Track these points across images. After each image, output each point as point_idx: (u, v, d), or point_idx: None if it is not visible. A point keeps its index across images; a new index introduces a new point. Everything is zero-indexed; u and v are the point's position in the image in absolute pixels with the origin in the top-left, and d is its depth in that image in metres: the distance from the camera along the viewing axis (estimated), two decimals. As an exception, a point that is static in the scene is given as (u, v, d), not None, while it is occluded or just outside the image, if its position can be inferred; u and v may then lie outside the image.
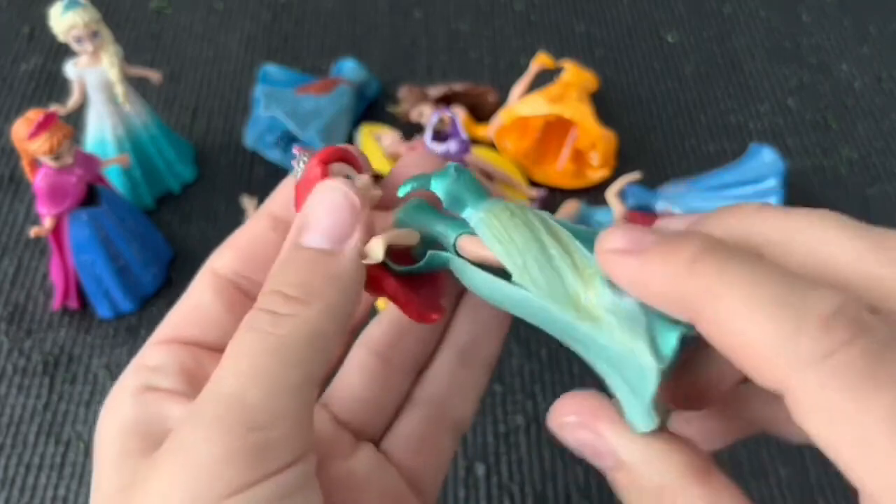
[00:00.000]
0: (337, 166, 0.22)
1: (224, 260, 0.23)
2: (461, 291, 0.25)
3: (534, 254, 0.20)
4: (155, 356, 0.21)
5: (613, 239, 0.17)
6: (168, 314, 0.23)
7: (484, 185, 0.22)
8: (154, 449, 0.19)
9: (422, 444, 0.24)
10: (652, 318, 0.18)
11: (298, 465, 0.18)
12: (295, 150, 0.22)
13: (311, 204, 0.20)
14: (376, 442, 0.24)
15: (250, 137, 0.64)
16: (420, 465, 0.24)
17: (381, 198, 0.22)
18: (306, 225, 0.20)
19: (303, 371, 0.18)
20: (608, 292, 0.18)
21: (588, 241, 0.19)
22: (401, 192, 0.22)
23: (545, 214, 0.21)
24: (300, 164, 0.22)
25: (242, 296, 0.22)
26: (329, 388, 0.24)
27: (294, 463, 0.18)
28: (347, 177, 0.22)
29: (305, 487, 0.18)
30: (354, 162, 0.22)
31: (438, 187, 0.21)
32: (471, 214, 0.21)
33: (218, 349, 0.21)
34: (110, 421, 0.20)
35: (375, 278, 0.21)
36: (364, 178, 0.22)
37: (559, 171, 0.62)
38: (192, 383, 0.21)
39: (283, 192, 0.24)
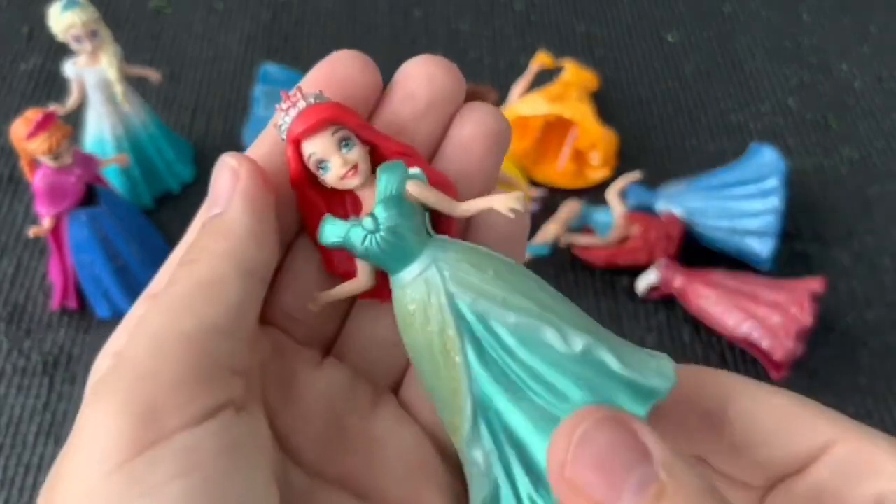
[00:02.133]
0: (316, 143, 0.21)
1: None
2: None
3: (423, 367, 0.20)
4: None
5: (586, 479, 0.16)
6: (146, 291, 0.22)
7: (411, 235, 0.20)
8: None
9: None
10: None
11: (204, 424, 0.17)
12: (282, 99, 0.21)
13: (211, 181, 0.21)
14: (395, 389, 0.23)
15: (249, 137, 0.63)
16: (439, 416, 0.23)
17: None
18: (208, 201, 0.21)
19: (195, 319, 0.18)
20: (466, 450, 0.19)
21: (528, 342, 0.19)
22: (323, 243, 0.21)
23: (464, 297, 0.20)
24: (284, 119, 0.21)
25: None
26: (343, 342, 0.23)
27: (196, 418, 0.17)
28: (346, 141, 0.21)
29: (220, 443, 0.17)
30: (346, 119, 0.21)
31: (356, 242, 0.20)
32: (393, 279, 0.21)
33: None
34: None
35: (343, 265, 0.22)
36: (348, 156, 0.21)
37: (559, 170, 0.62)
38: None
39: (261, 145, 0.23)
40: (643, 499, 0.15)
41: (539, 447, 0.18)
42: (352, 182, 0.21)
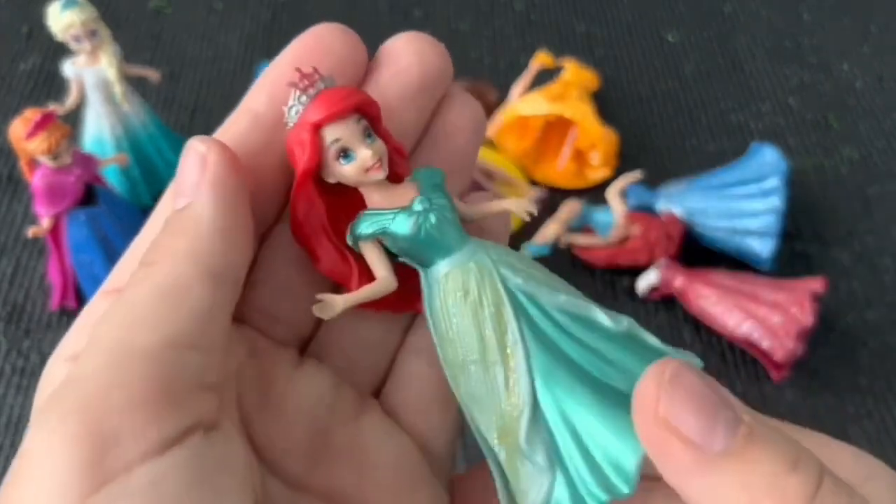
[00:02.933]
0: (342, 129, 0.19)
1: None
2: None
3: (472, 358, 0.19)
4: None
5: (680, 417, 0.15)
6: (117, 266, 0.20)
7: (456, 226, 0.20)
8: None
9: (429, 398, 0.22)
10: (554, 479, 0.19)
11: (159, 458, 0.15)
12: (297, 81, 0.19)
13: (178, 168, 0.19)
14: (377, 393, 0.22)
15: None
16: (427, 424, 0.22)
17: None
18: (172, 190, 0.19)
19: (154, 332, 0.16)
20: (526, 447, 0.19)
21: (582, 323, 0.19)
22: (359, 235, 0.20)
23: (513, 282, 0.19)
24: (300, 99, 0.19)
25: None
26: (323, 342, 0.22)
27: (150, 454, 0.15)
28: (369, 132, 0.19)
29: (186, 472, 0.15)
30: (371, 110, 0.19)
31: (401, 229, 0.20)
32: (430, 272, 0.20)
33: None
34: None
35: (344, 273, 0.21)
36: (368, 153, 0.19)
37: (559, 170, 0.62)
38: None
39: (264, 83, 0.21)
40: (735, 438, 0.15)
41: (604, 424, 0.18)
42: (376, 175, 0.19)
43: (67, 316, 0.54)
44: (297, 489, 0.19)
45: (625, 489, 0.18)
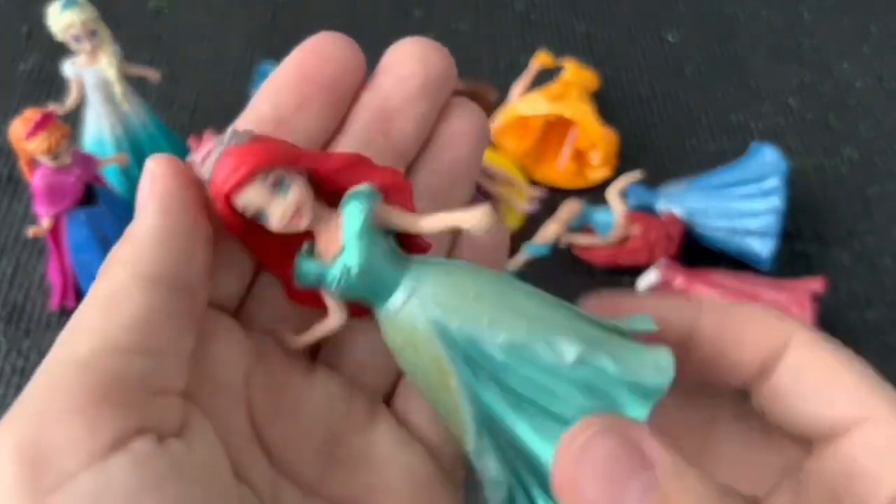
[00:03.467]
0: (248, 195, 0.19)
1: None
2: None
3: (429, 388, 0.19)
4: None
5: (586, 487, 0.15)
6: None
7: (385, 267, 0.19)
8: None
9: None
10: None
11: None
12: (191, 150, 0.19)
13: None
14: (387, 400, 0.22)
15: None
16: (438, 431, 0.21)
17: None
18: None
19: (92, 340, 0.16)
20: (478, 466, 0.19)
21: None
22: (301, 282, 0.20)
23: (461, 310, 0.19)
24: (203, 168, 0.19)
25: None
26: (334, 348, 0.22)
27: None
28: (281, 182, 0.19)
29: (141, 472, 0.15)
30: (275, 158, 0.19)
31: (330, 285, 0.19)
32: (377, 312, 0.20)
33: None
34: None
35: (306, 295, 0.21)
36: (292, 195, 0.19)
37: (559, 170, 0.62)
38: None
39: (267, 91, 0.21)
40: None
41: (546, 454, 0.18)
42: (299, 225, 0.19)
43: (67, 316, 0.54)
44: (310, 495, 0.19)
45: None
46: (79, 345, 0.16)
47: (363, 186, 0.20)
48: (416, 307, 0.19)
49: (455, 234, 0.22)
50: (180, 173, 0.19)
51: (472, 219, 0.19)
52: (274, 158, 0.19)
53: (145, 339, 0.17)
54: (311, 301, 0.21)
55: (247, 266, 0.21)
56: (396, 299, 0.19)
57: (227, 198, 0.19)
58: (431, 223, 0.20)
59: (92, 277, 0.53)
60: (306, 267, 0.20)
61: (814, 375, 0.19)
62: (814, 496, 0.19)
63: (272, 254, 0.20)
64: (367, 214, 0.19)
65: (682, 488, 0.15)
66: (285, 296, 0.21)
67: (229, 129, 0.20)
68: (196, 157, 0.19)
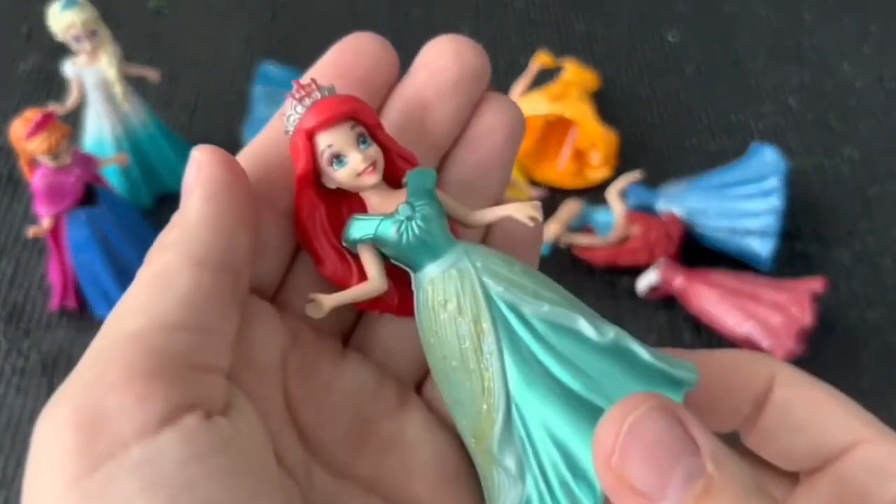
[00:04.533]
0: (334, 135, 0.20)
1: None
2: None
3: (453, 364, 0.20)
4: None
5: (633, 469, 0.15)
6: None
7: (442, 231, 0.20)
8: None
9: None
10: None
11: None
12: (294, 89, 0.20)
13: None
14: (418, 387, 0.23)
15: (249, 137, 0.63)
16: None
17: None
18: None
19: (142, 317, 0.17)
20: (497, 455, 0.19)
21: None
22: (349, 238, 0.21)
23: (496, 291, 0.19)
24: (296, 109, 0.20)
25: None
26: (365, 334, 0.22)
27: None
28: (363, 137, 0.20)
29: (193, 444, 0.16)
30: (365, 116, 0.20)
31: (386, 235, 0.20)
32: (417, 276, 0.20)
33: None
34: None
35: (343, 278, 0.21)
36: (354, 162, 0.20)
37: (560, 171, 0.62)
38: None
39: (262, 140, 0.21)
40: (690, 492, 0.15)
41: (576, 439, 0.18)
42: (368, 180, 0.20)
43: (67, 316, 0.54)
44: (341, 477, 0.20)
45: None
46: (128, 321, 0.17)
47: (426, 169, 0.21)
48: (466, 266, 0.20)
49: (487, 228, 0.23)
50: (226, 162, 0.20)
51: (523, 213, 0.20)
52: (364, 115, 0.20)
53: (192, 317, 0.17)
54: (343, 278, 0.21)
55: (284, 254, 0.21)
56: (446, 260, 0.20)
57: (312, 134, 0.20)
58: (484, 215, 0.21)
59: (92, 277, 0.53)
60: (361, 223, 0.20)
61: (802, 408, 0.20)
62: None
63: (314, 221, 0.21)
64: (435, 179, 0.20)
65: (726, 476, 0.15)
66: (319, 272, 0.21)
67: (325, 86, 0.20)
68: (289, 103, 0.20)
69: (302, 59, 0.74)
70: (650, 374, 0.19)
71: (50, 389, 0.51)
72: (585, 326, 0.19)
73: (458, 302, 0.19)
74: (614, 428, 0.16)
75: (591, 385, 0.19)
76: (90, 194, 0.51)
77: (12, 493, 0.47)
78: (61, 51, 0.56)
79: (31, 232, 0.51)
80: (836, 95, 0.69)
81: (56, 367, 0.52)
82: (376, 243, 0.20)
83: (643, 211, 0.57)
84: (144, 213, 0.58)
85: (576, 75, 0.64)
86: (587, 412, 0.18)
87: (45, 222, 0.50)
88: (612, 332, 0.19)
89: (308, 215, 0.21)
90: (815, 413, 0.20)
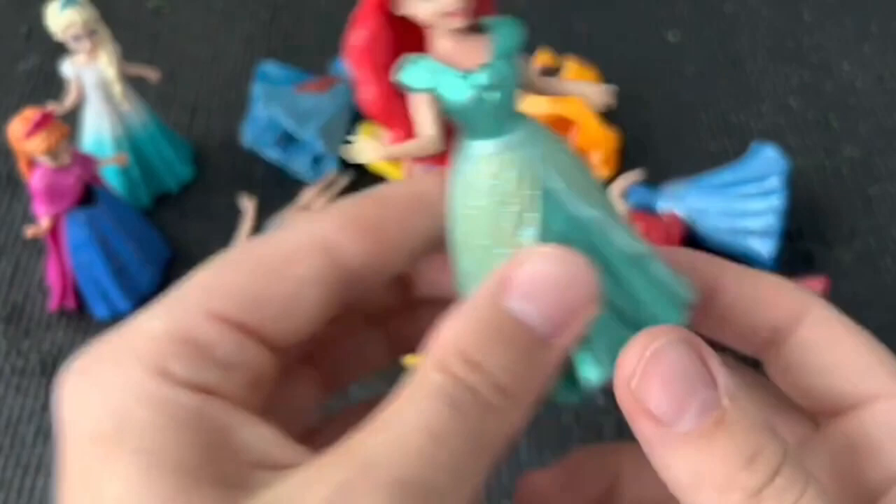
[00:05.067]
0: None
1: (340, 234, 0.18)
2: None
3: (480, 242, 0.19)
4: (208, 331, 0.17)
5: (651, 394, 0.16)
6: (226, 258, 0.19)
7: (514, 105, 0.18)
8: (219, 485, 0.15)
9: None
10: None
11: None
12: None
13: (527, 261, 0.17)
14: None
15: (249, 136, 0.63)
16: None
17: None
18: (518, 284, 0.17)
19: (477, 478, 0.16)
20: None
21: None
22: (409, 84, 0.18)
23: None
24: None
25: (353, 293, 0.18)
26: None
27: None
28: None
29: None
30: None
31: (457, 97, 0.18)
32: (471, 145, 0.19)
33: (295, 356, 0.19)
34: (129, 403, 0.16)
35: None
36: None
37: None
38: (256, 399, 0.17)
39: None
40: (703, 421, 0.15)
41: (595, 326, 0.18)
42: (454, 21, 0.18)
43: (66, 316, 0.55)
44: None
45: (594, 379, 0.18)
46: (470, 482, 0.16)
47: (515, 21, 0.19)
48: (528, 157, 0.18)
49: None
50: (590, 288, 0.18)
51: (597, 94, 0.20)
52: None
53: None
54: (386, 113, 0.19)
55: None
56: (510, 140, 0.18)
57: None
58: (559, 86, 0.20)
59: (91, 278, 0.53)
60: (424, 69, 0.18)
61: (827, 349, 0.19)
62: (820, 470, 0.19)
63: (376, 45, 0.19)
64: (521, 41, 0.18)
65: (739, 412, 0.15)
66: (360, 96, 0.19)
67: None
68: None
69: (302, 59, 0.75)
70: (666, 285, 0.19)
71: (49, 390, 0.51)
72: (624, 236, 0.19)
73: (511, 188, 0.18)
74: (637, 353, 0.16)
75: (615, 288, 0.19)
76: (89, 194, 0.51)
77: (11, 494, 0.47)
78: (61, 51, 0.56)
79: (29, 232, 0.51)
80: (837, 95, 0.69)
81: (55, 368, 0.52)
82: (436, 97, 0.18)
83: (644, 211, 0.57)
84: (143, 213, 0.58)
85: (576, 75, 0.64)
86: (607, 309, 0.18)
87: (44, 222, 0.50)
88: (643, 247, 0.19)
89: (366, 40, 0.19)
90: (841, 359, 0.19)
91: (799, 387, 0.20)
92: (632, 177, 0.58)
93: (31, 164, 0.49)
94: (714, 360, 0.16)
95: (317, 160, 0.62)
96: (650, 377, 0.16)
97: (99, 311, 0.54)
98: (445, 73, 0.18)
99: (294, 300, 0.17)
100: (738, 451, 0.15)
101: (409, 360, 0.20)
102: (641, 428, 0.16)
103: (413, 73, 0.18)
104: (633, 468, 0.20)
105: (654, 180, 0.60)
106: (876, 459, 0.18)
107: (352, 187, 0.61)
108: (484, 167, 0.18)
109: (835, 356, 0.19)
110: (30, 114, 0.48)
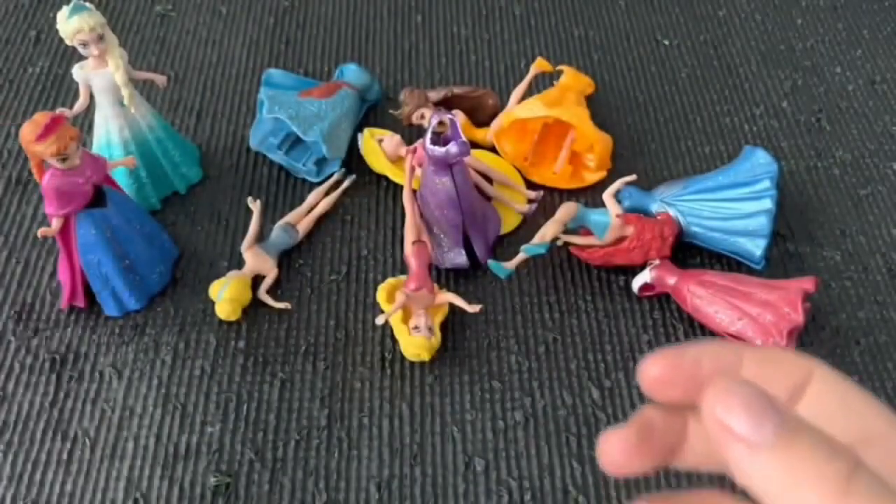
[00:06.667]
0: None
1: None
2: None
3: None
4: None
5: (731, 415, 0.18)
6: None
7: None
8: None
9: None
10: None
11: None
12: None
13: None
14: None
15: (255, 139, 0.64)
16: None
17: None
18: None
19: None
20: None
21: None
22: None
23: None
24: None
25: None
26: None
27: None
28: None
29: None
30: None
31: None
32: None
33: None
34: None
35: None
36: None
37: (557, 172, 0.63)
38: None
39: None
40: (780, 433, 0.18)
41: None
42: None
43: (75, 314, 0.56)
44: None
45: None
46: None
47: None
48: None
49: None
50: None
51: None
52: None
53: None
54: None
55: None
56: None
57: None
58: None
59: (100, 277, 0.54)
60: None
61: (834, 402, 0.21)
62: None
63: None
64: None
65: (805, 421, 0.18)
66: None
67: None
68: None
69: (305, 63, 0.76)
70: None
71: (58, 386, 0.52)
72: None
73: None
74: (717, 389, 0.19)
75: None
76: (99, 195, 0.52)
77: (20, 488, 0.48)
78: (70, 55, 0.57)
79: (40, 232, 0.52)
80: (829, 98, 0.70)
81: (64, 365, 0.53)
82: None
83: (638, 212, 0.58)
84: (152, 214, 0.59)
85: (573, 80, 0.65)
86: None
87: (55, 223, 0.51)
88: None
89: None
90: (844, 406, 0.21)
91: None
92: (626, 179, 0.59)
93: (42, 166, 0.50)
94: (770, 392, 0.19)
95: (321, 162, 0.63)
96: (731, 402, 0.18)
97: (108, 309, 0.55)
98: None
99: None
100: (821, 450, 0.17)
101: None
102: (730, 449, 0.18)
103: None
104: (823, 377, 0.22)
105: (649, 182, 0.61)
106: None
107: (354, 188, 0.63)
108: None
109: (839, 406, 0.21)
110: (40, 117, 0.48)
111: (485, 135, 0.64)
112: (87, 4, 0.53)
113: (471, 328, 0.55)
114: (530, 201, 0.62)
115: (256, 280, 0.56)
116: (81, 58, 0.55)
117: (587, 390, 0.52)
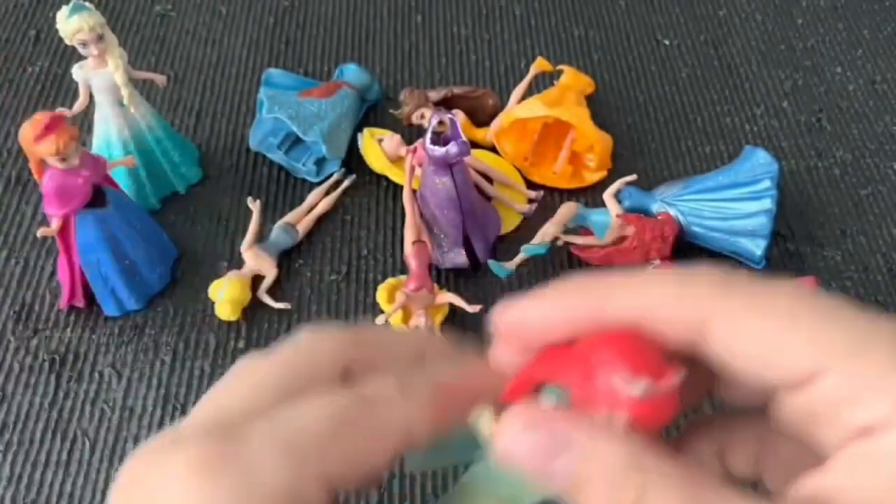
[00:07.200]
0: None
1: (422, 425, 0.21)
2: None
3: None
4: (314, 496, 0.19)
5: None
6: (339, 415, 0.20)
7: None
8: None
9: None
10: None
11: None
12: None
13: None
14: None
15: (254, 139, 0.64)
16: None
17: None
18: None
19: None
20: None
21: None
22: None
23: None
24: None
25: None
26: None
27: None
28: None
29: None
30: None
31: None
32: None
33: None
34: None
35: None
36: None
37: (557, 172, 0.63)
38: None
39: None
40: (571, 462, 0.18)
41: None
42: None
43: (75, 314, 0.55)
44: None
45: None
46: None
47: None
48: None
49: None
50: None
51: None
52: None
53: None
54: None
55: None
56: None
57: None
58: None
59: (100, 277, 0.54)
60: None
61: (748, 347, 0.18)
62: (777, 453, 0.20)
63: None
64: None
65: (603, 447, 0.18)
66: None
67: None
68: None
69: (305, 63, 0.76)
70: None
71: (57, 387, 0.52)
72: None
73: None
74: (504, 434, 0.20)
75: None
76: (98, 195, 0.52)
77: (20, 488, 0.48)
78: (69, 54, 0.57)
79: (40, 232, 0.52)
80: (829, 98, 0.70)
81: (63, 365, 0.53)
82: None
83: (638, 212, 0.58)
84: (151, 214, 0.59)
85: (573, 80, 0.65)
86: None
87: (54, 223, 0.51)
88: None
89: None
90: (763, 349, 0.18)
91: (733, 394, 0.21)
92: (627, 179, 0.59)
93: (42, 166, 0.50)
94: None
95: (320, 162, 0.63)
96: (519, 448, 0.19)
97: (108, 309, 0.55)
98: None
99: (378, 472, 0.20)
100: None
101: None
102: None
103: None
104: (728, 317, 0.18)
105: (649, 182, 0.61)
106: (825, 436, 0.18)
107: (354, 188, 0.63)
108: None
109: (757, 350, 0.18)
110: (40, 117, 0.48)
111: (485, 135, 0.64)
112: (87, 4, 0.53)
113: (471, 328, 0.55)
114: (530, 201, 0.62)
115: (256, 280, 0.56)
116: (81, 57, 0.55)
117: None
